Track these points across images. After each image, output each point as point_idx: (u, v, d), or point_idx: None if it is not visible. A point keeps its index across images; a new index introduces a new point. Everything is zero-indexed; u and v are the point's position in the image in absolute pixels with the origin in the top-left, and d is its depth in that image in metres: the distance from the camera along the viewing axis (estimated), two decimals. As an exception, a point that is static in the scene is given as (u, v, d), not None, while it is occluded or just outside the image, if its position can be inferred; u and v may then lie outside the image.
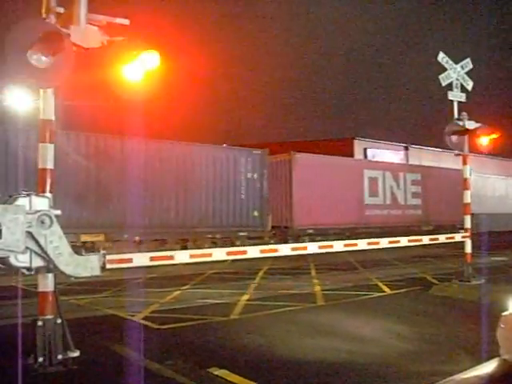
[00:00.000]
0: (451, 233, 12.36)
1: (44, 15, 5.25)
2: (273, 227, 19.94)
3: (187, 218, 17.11)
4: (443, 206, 26.41)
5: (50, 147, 5.42)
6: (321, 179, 20.72)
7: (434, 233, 22.35)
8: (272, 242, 19.18)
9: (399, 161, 43.98)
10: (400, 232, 23.57)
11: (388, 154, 43.15)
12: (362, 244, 9.28)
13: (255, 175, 18.98)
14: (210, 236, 17.83)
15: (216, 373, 5.33)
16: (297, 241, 19.44)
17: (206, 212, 17.59)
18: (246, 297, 10.21)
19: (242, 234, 18.40)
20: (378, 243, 9.73)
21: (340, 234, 21.08)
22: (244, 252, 7.88)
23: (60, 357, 5.31)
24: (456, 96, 11.47)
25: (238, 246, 15.92)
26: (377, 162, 27.61)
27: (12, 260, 4.79)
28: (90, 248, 14.02)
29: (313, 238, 19.94)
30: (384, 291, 10.96)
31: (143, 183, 15.85)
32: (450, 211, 26.22)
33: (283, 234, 20.23)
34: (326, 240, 18.36)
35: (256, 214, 18.81)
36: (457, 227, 27.21)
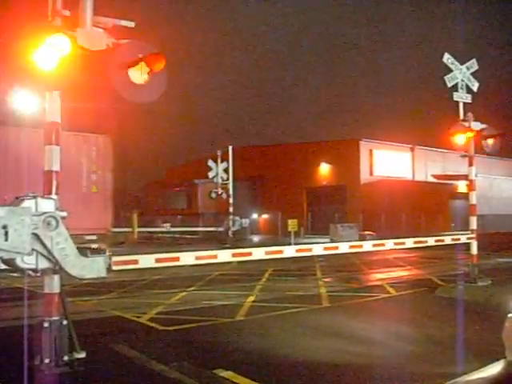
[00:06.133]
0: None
1: (50, 18, 5.27)
2: None
3: None
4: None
5: (56, 149, 5.44)
6: None
7: None
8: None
9: (404, 163, 43.81)
10: None
11: (394, 155, 43.14)
12: (367, 246, 9.50)
13: None
14: None
15: (222, 374, 5.33)
16: None
17: None
18: (251, 298, 10.21)
19: None
20: (383, 245, 9.84)
21: None
22: (249, 253, 7.94)
23: (66, 358, 5.32)
24: (461, 97, 11.42)
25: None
26: None
27: (18, 261, 4.81)
28: (96, 250, 13.92)
29: None
30: (389, 293, 10.94)
31: None
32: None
33: None
34: None
35: None
36: (84, 239, 14.19)
